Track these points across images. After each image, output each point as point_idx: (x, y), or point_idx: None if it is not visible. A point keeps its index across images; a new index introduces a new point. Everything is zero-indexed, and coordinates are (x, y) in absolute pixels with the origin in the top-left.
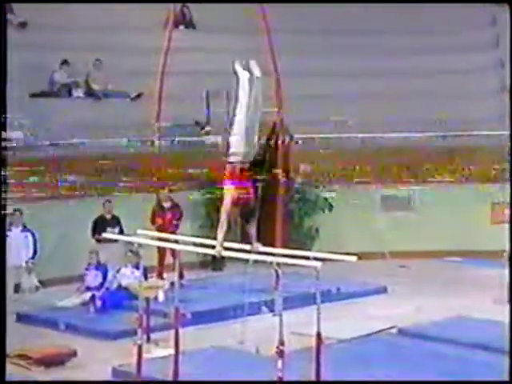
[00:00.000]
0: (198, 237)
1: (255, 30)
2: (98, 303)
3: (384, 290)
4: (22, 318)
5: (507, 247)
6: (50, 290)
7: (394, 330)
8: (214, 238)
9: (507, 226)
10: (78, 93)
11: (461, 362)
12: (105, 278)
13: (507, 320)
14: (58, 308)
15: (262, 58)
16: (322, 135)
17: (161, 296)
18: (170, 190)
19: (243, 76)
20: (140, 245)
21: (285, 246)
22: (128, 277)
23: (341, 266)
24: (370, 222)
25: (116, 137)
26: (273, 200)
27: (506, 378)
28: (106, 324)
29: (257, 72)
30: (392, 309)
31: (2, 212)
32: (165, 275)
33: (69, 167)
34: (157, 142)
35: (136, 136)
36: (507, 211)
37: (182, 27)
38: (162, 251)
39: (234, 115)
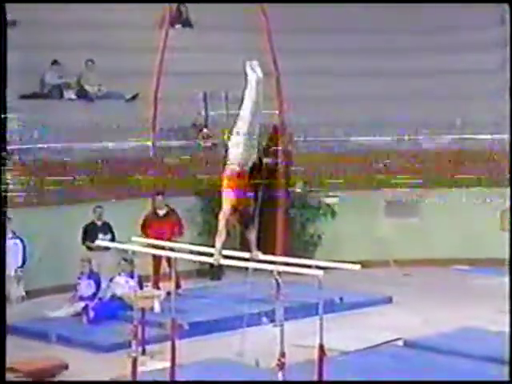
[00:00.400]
0: (195, 244)
1: (255, 28)
2: (91, 314)
3: (389, 300)
4: (11, 329)
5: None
6: (40, 300)
7: (399, 342)
8: (212, 246)
9: None
10: (70, 94)
11: (469, 376)
12: (98, 287)
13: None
14: (50, 319)
15: (262, 57)
16: (323, 138)
17: (157, 306)
18: (159, 194)
19: (252, 78)
20: (134, 253)
21: (286, 254)
22: (122, 286)
23: (344, 275)
24: (374, 228)
25: (110, 140)
26: (273, 206)
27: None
28: (99, 335)
29: (259, 73)
30: (398, 320)
31: (2, 217)
32: (161, 284)
33: (59, 172)
34: (152, 146)
35: (131, 139)
36: None
37: (178, 26)
38: (157, 259)
39: (237, 118)
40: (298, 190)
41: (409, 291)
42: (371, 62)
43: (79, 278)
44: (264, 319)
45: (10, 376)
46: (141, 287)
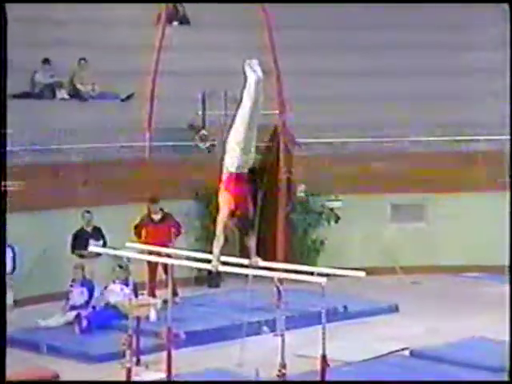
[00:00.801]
0: (192, 250)
1: (254, 26)
2: (84, 323)
3: (395, 309)
4: None
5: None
6: (31, 309)
7: (406, 352)
8: (210, 252)
9: None
10: (62, 94)
11: None
12: (91, 295)
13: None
14: (40, 328)
15: (262, 56)
16: (326, 140)
17: (152, 315)
18: (153, 202)
19: (251, 77)
20: (129, 259)
21: (287, 261)
22: (117, 294)
23: (348, 282)
24: (380, 234)
25: (104, 142)
26: (274, 210)
27: None
28: (91, 345)
29: (259, 72)
30: (404, 329)
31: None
32: (157, 292)
33: (51, 175)
34: (148, 147)
35: (126, 140)
36: None
37: (175, 23)
38: (153, 266)
39: (235, 119)
40: (300, 194)
41: (415, 299)
42: (371, 62)
43: (71, 286)
44: (264, 328)
45: None
46: (136, 295)
